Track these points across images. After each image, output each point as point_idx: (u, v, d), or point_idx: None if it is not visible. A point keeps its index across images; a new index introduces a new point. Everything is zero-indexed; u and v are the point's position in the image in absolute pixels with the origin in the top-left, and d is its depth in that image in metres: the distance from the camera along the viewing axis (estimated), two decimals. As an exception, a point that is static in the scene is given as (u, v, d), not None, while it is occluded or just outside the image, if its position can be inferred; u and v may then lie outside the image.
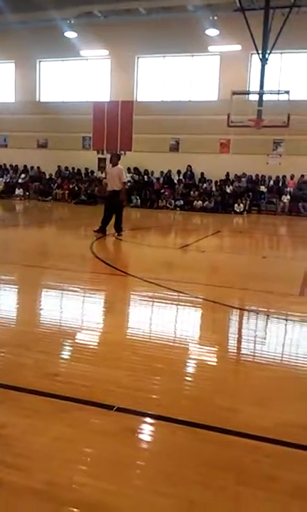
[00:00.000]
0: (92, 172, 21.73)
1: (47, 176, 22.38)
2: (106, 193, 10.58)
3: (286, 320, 4.95)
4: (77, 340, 4.15)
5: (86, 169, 21.79)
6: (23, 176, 22.55)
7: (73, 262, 7.68)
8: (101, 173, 21.55)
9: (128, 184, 19.89)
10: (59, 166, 22.29)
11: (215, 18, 17.99)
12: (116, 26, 19.76)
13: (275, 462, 2.38)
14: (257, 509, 2.05)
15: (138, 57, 21.09)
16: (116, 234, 10.34)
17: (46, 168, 22.45)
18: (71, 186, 21.27)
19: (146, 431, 2.69)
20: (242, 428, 2.67)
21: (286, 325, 4.85)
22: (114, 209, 10.39)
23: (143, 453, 2.47)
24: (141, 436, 2.63)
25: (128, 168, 20.65)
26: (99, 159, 21.65)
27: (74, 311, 5.18)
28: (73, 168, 22.15)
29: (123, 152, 20.61)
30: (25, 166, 22.86)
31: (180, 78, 20.63)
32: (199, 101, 20.00)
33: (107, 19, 19.61)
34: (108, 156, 21.19)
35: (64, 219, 16.24)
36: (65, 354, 3.84)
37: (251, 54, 18.35)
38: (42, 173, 22.56)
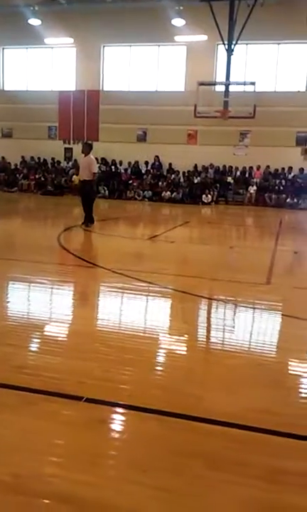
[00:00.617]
0: (59, 162, 21.43)
1: (13, 166, 21.94)
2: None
3: (253, 308, 5.02)
4: (45, 333, 4.11)
5: (52, 159, 21.45)
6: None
7: (41, 253, 7.58)
8: (67, 163, 21.28)
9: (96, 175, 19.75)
10: (23, 157, 21.87)
11: (181, 8, 17.89)
12: (81, 14, 19.41)
13: (244, 447, 2.43)
14: (229, 494, 2.08)
15: (104, 46, 20.80)
16: (84, 225, 10.24)
17: (11, 158, 21.99)
18: (37, 177, 20.93)
19: (117, 421, 2.69)
20: (211, 415, 2.71)
21: (253, 313, 4.93)
22: (84, 199, 10.32)
23: (114, 443, 2.47)
24: (111, 426, 2.63)
25: (96, 159, 20.43)
26: (66, 149, 21.36)
27: (43, 303, 5.12)
28: (39, 158, 21.78)
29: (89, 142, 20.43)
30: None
31: (146, 68, 20.48)
32: (166, 91, 19.91)
33: (72, 6, 19.23)
34: (75, 146, 21.07)
35: (30, 210, 15.99)
36: (34, 347, 3.80)
37: (218, 44, 18.36)
38: (8, 163, 22.11)
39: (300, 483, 2.17)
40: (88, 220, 10.34)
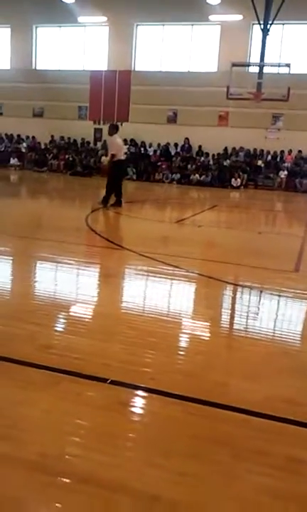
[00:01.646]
0: (89, 143, 21.41)
1: (43, 146, 22.03)
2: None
3: (279, 296, 4.95)
4: (71, 313, 4.15)
5: (82, 139, 21.45)
6: (24, 144, 22.15)
7: (68, 234, 7.63)
8: (95, 144, 21.25)
9: (125, 156, 19.66)
10: (52, 136, 21.92)
11: (217, -15, 17.47)
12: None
13: (265, 436, 2.41)
14: (248, 482, 2.08)
15: (137, 25, 20.50)
16: (103, 205, 10.33)
17: (41, 138, 22.09)
18: (67, 157, 20.97)
19: (139, 404, 2.71)
20: (233, 402, 2.70)
21: (279, 301, 4.86)
22: (112, 179, 10.36)
23: (136, 425, 2.49)
24: (134, 409, 2.65)
25: (125, 140, 20.33)
26: (95, 129, 21.30)
27: (69, 283, 5.17)
28: (69, 139, 21.80)
29: (120, 123, 20.32)
30: (18, 136, 22.47)
31: (179, 48, 20.13)
32: (198, 72, 19.57)
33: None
34: (105, 127, 20.97)
35: (59, 190, 16.08)
36: (59, 327, 3.85)
37: (253, 24, 17.88)
38: (38, 142, 22.21)
39: (322, 475, 2.15)
40: (105, 200, 10.44)
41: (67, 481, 2.02)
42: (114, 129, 10.49)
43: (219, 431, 2.44)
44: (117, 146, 10.56)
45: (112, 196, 10.46)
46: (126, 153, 11.94)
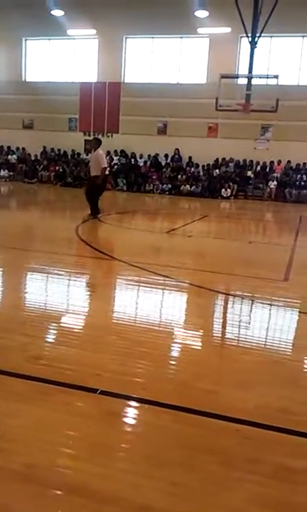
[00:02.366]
0: (79, 154, 21.48)
1: (33, 158, 22.07)
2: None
3: (270, 305, 4.98)
4: (61, 324, 4.13)
5: (72, 151, 21.52)
6: (14, 156, 22.18)
7: (59, 245, 7.61)
8: (87, 155, 21.31)
9: (115, 167, 19.74)
10: (44, 147, 21.98)
11: (205, -1, 17.72)
12: (104, 5, 19.32)
13: (256, 445, 2.41)
14: (239, 491, 2.07)
15: (126, 38, 20.71)
16: (93, 216, 10.36)
17: (32, 150, 22.12)
18: (57, 168, 21.01)
19: (130, 414, 2.70)
20: (225, 411, 2.69)
21: (270, 310, 4.88)
22: (95, 192, 10.43)
23: (127, 436, 2.48)
24: (125, 419, 2.64)
25: (115, 151, 20.44)
26: (86, 141, 21.38)
27: (60, 294, 5.15)
28: (59, 150, 21.86)
29: (110, 135, 20.45)
30: (8, 147, 22.50)
31: (168, 60, 20.35)
32: (187, 84, 19.77)
33: (95, -3, 19.19)
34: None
35: (49, 201, 16.07)
36: (50, 337, 3.83)
37: (241, 37, 18.13)
38: (28, 154, 22.24)
39: (313, 483, 2.15)
40: (94, 212, 10.42)
41: (58, 492, 2.00)
42: (98, 143, 10.60)
43: (210, 440, 2.43)
44: (104, 159, 10.63)
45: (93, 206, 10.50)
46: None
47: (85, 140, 21.14)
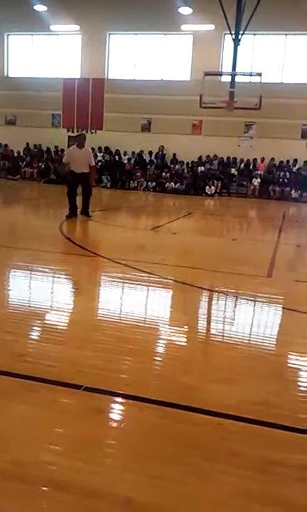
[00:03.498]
0: (62, 150, 21.31)
1: (16, 154, 21.87)
2: (68, 173, 10.16)
3: (254, 301, 5.02)
4: (45, 321, 4.12)
5: (56, 147, 21.37)
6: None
7: (42, 242, 7.58)
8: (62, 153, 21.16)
9: (99, 164, 19.66)
10: (27, 144, 21.80)
11: (189, -5, 17.73)
12: (87, 1, 19.23)
13: (240, 438, 2.44)
14: (223, 484, 2.10)
15: (109, 34, 20.62)
16: (85, 216, 10.09)
17: (14, 146, 21.92)
18: (40, 165, 20.85)
19: (115, 410, 2.71)
20: (209, 406, 2.72)
21: (254, 306, 4.93)
22: (85, 190, 10.15)
23: (112, 431, 2.49)
24: (109, 415, 2.65)
25: (99, 148, 20.36)
26: (69, 137, 21.25)
27: (43, 291, 5.13)
28: (42, 146, 21.70)
29: (93, 131, 20.35)
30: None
31: (152, 57, 20.31)
32: (171, 81, 19.77)
33: (78, -7, 19.07)
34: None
35: (33, 198, 15.96)
36: (33, 335, 3.82)
37: (224, 34, 18.19)
38: (11, 150, 22.03)
39: (293, 476, 2.18)
40: (85, 212, 10.10)
41: (44, 488, 2.01)
42: (84, 140, 10.28)
43: (194, 434, 2.46)
44: (92, 157, 10.49)
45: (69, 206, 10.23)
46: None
47: (71, 136, 21.01)
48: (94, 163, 10.42)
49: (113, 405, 2.73)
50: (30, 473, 2.09)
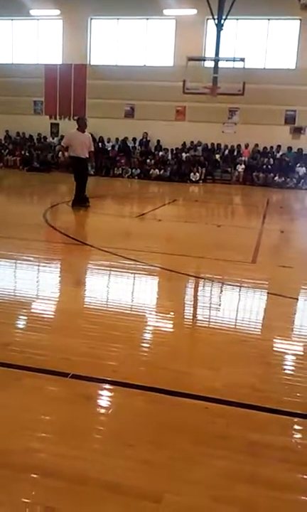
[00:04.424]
0: (45, 138, 21.08)
1: (-2, 142, 21.53)
2: (68, 160, 9.88)
3: (239, 287, 5.06)
4: (31, 310, 4.11)
5: (38, 135, 21.10)
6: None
7: (26, 231, 7.51)
8: (53, 138, 20.92)
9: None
10: (7, 131, 21.45)
11: (171, -21, 17.50)
12: (68, -16, 18.87)
13: (226, 422, 2.48)
14: (209, 466, 2.13)
15: (91, 19, 20.27)
16: (83, 204, 9.80)
17: (-4, 134, 21.58)
18: (23, 153, 20.58)
19: (103, 396, 2.73)
20: (195, 390, 2.75)
21: (239, 291, 4.97)
22: (83, 176, 9.85)
23: (100, 418, 2.51)
24: (97, 401, 2.67)
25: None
26: (52, 124, 21.00)
27: (28, 280, 5.11)
28: (24, 134, 21.40)
29: (76, 118, 20.10)
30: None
31: (135, 42, 20.05)
32: (154, 66, 19.56)
33: (58, -24, 18.68)
34: (62, 122, 20.70)
35: (16, 187, 15.78)
36: (20, 324, 3.81)
37: (207, 19, 17.99)
38: (-7, 138, 21.69)
39: (278, 457, 2.23)
40: (79, 200, 9.83)
41: (33, 475, 2.02)
42: (85, 124, 9.86)
43: (181, 418, 2.49)
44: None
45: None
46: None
47: (53, 123, 20.76)
48: (93, 149, 10.14)
49: (100, 392, 2.75)
50: (18, 460, 2.10)
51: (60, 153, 19.70)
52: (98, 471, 2.06)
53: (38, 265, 5.69)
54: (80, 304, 4.37)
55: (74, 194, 9.91)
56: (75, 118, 11.33)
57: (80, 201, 9.85)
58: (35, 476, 2.02)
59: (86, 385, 2.77)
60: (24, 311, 4.05)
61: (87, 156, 9.76)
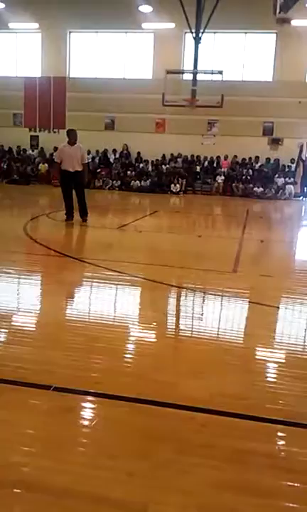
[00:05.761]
0: (25, 150, 21.04)
1: (-23, 155, 21.40)
2: (60, 173, 9.62)
3: (221, 296, 5.09)
4: (13, 323, 4.06)
5: (18, 147, 21.05)
6: None
7: (6, 243, 7.46)
8: (33, 151, 20.90)
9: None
10: (-13, 144, 21.36)
11: (149, -6, 17.74)
12: (46, -1, 18.98)
13: (211, 431, 2.48)
14: (195, 475, 2.13)
15: (70, 32, 20.42)
16: (82, 220, 9.63)
17: (-25, 147, 21.44)
18: (2, 165, 20.48)
19: (86, 408, 2.70)
20: (179, 401, 2.75)
21: (221, 301, 4.99)
22: (77, 191, 9.68)
23: (84, 430, 2.48)
24: (81, 413, 2.64)
25: (55, 148, 20.11)
26: (32, 137, 20.99)
27: (9, 293, 5.05)
28: (2, 146, 21.31)
29: (56, 131, 20.13)
30: None
31: (114, 55, 20.23)
32: (133, 79, 19.74)
33: (37, -10, 18.79)
34: (42, 134, 20.69)
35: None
36: (0, 337, 3.76)
37: (185, 33, 18.27)
38: (-28, 151, 21.55)
39: (263, 464, 2.23)
40: (84, 214, 9.68)
41: (16, 490, 1.99)
42: (76, 136, 9.78)
43: (166, 429, 2.48)
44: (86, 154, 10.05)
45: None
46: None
47: (33, 136, 20.74)
48: (87, 161, 9.95)
49: (83, 404, 2.73)
50: (1, 475, 2.07)
51: (40, 165, 19.76)
52: (83, 483, 2.04)
53: (19, 278, 5.64)
54: (62, 316, 4.34)
55: (79, 209, 9.67)
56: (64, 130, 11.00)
57: (85, 214, 9.69)
58: (18, 490, 1.99)
59: (69, 397, 2.75)
60: (5, 324, 4.00)
61: (79, 169, 9.54)
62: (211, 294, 5.14)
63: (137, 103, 18.90)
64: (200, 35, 16.03)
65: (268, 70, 19.03)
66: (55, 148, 19.75)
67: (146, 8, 18.26)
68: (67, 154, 9.57)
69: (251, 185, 18.65)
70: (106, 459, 2.22)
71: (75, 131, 9.91)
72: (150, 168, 19.76)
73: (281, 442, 2.45)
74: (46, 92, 20.10)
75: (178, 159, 19.84)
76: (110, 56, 20.25)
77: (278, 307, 4.82)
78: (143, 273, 5.86)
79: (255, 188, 18.50)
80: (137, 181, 19.12)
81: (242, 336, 4.06)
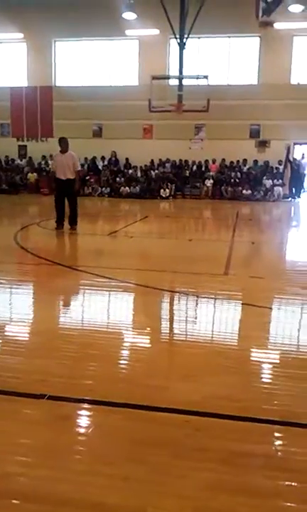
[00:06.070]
0: (13, 160, 21.01)
1: None
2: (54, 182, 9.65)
3: (214, 299, 5.10)
4: (5, 333, 4.05)
5: (6, 157, 21.02)
6: None
7: (-3, 253, 7.43)
8: (21, 160, 20.88)
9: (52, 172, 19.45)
10: (-24, 155, 21.32)
11: (132, 1, 17.81)
12: (30, 8, 19.01)
13: (205, 433, 2.48)
14: (191, 479, 2.13)
15: (55, 41, 20.48)
16: (70, 228, 9.58)
17: None
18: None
19: (81, 416, 2.70)
20: (174, 404, 2.75)
21: (213, 304, 5.01)
22: (69, 199, 9.67)
23: (78, 437, 2.48)
24: (76, 421, 2.64)
25: (51, 156, 20.12)
26: (20, 146, 20.98)
27: (1, 303, 5.03)
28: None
29: (44, 139, 20.15)
30: None
31: (99, 63, 20.31)
32: (120, 86, 19.82)
33: (20, 0, 18.83)
34: (30, 143, 20.70)
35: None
36: (-7, 347, 3.74)
37: (170, 38, 18.38)
38: None
39: (259, 465, 2.24)
40: (74, 222, 9.66)
41: (14, 501, 1.98)
42: (67, 144, 9.76)
43: (161, 433, 2.48)
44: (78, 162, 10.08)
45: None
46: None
47: (21, 145, 20.73)
48: (79, 168, 9.97)
49: (78, 412, 2.72)
50: (-4, 486, 2.05)
51: (29, 174, 19.73)
52: (80, 491, 2.03)
53: (11, 287, 5.62)
54: (55, 325, 4.32)
55: (69, 216, 9.66)
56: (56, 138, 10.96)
57: (75, 222, 9.67)
58: (16, 501, 1.98)
59: (63, 405, 2.74)
60: (-2, 334, 3.99)
61: (72, 176, 9.53)
62: (203, 297, 5.15)
63: (124, 110, 18.96)
64: (185, 40, 16.12)
65: (253, 73, 19.19)
66: (43, 157, 20.11)
67: (129, 15, 18.34)
68: (59, 162, 9.68)
69: (239, 188, 18.74)
70: (102, 465, 2.21)
71: (66, 139, 9.93)
72: (139, 174, 19.81)
73: (277, 442, 2.45)
74: (33, 101, 20.13)
75: (167, 164, 19.90)
76: (96, 64, 20.32)
77: (270, 308, 4.85)
78: (135, 278, 5.87)
79: (244, 191, 18.59)
80: (126, 187, 19.15)
81: (236, 337, 4.07)
